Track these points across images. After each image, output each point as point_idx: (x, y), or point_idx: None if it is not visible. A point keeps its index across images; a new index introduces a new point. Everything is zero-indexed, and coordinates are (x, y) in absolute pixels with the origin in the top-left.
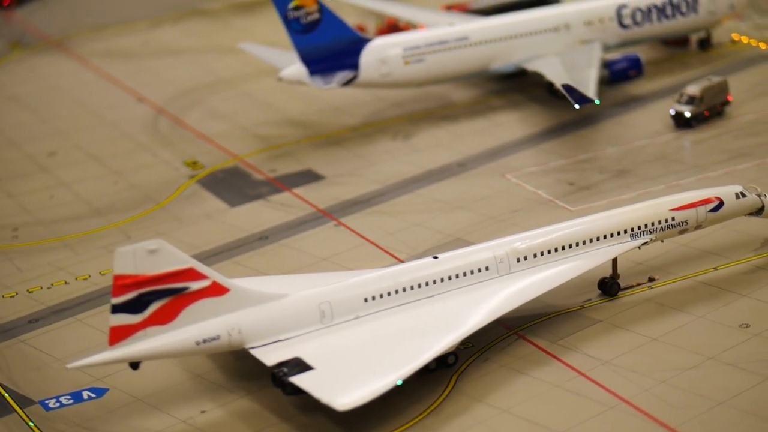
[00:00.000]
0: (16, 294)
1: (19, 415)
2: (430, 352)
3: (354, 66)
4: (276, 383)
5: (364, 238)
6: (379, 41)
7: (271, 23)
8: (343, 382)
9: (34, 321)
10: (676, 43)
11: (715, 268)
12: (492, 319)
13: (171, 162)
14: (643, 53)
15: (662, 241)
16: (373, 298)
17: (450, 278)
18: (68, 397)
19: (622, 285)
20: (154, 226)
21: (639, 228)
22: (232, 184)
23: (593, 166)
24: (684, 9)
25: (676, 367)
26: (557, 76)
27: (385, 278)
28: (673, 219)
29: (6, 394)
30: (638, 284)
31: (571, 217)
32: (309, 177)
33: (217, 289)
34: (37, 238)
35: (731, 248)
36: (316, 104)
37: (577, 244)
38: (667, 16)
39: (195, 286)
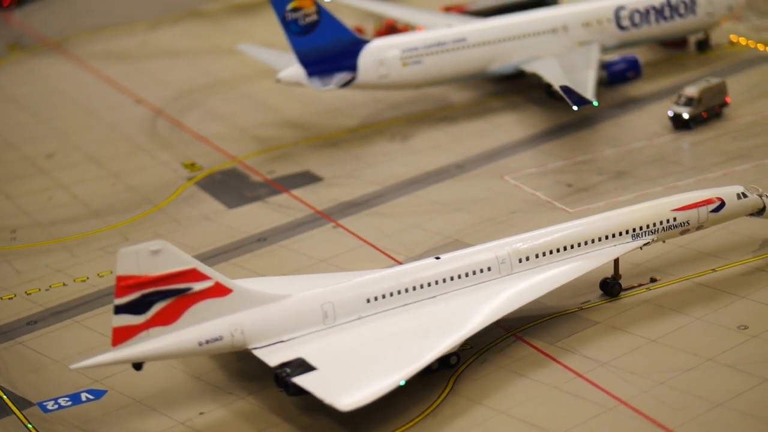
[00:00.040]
0: (15, 296)
1: (17, 416)
2: (433, 352)
3: (352, 67)
4: (279, 384)
5: (362, 239)
6: (378, 43)
7: (270, 25)
8: (346, 383)
9: (32, 323)
10: (675, 44)
11: (714, 270)
12: (494, 319)
13: (169, 164)
14: (641, 55)
15: (664, 242)
16: (376, 298)
17: (452, 279)
18: (67, 398)
19: (623, 286)
20: (152, 228)
21: (641, 228)
22: (231, 186)
23: (592, 168)
24: (682, 10)
25: (675, 368)
26: (555, 78)
27: (387, 279)
28: (674, 219)
29: (4, 396)
30: (640, 285)
31: (569, 219)
32: (307, 178)
33: (219, 290)
34: (36, 240)
35: (729, 250)
36: (315, 106)
37: (579, 245)
38: (665, 18)
39: (198, 286)
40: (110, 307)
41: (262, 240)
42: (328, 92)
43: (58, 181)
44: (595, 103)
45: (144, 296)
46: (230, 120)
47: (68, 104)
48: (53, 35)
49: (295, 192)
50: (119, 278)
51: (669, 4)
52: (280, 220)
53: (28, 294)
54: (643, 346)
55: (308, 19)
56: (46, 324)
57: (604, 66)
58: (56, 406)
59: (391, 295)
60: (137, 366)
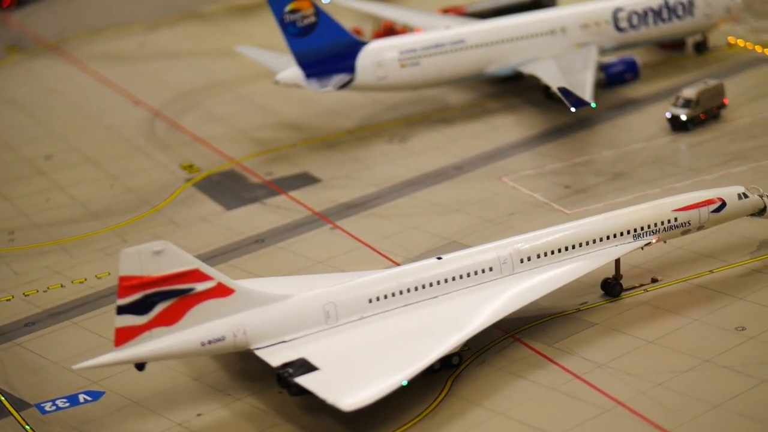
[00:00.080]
0: (13, 297)
1: (15, 418)
2: (435, 352)
3: (350, 69)
4: (281, 384)
5: (360, 241)
6: (376, 44)
7: (268, 26)
8: (349, 383)
9: (30, 324)
10: (673, 46)
11: (711, 271)
12: (496, 319)
13: (167, 165)
14: (639, 56)
15: (665, 242)
16: (378, 298)
17: (454, 279)
18: (64, 400)
19: (624, 286)
20: (150, 230)
21: (642, 229)
22: (229, 187)
23: (589, 169)
24: (680, 12)
25: (672, 370)
26: (553, 79)
27: (389, 279)
28: (675, 220)
29: (2, 397)
30: (641, 285)
31: (567, 220)
32: (305, 180)
33: (222, 290)
34: (34, 242)
35: (727, 251)
36: (313, 107)
37: (581, 245)
38: (663, 20)
39: (200, 287)
40: (108, 309)
41: (260, 241)
42: (327, 94)
43: (57, 182)
44: (593, 105)
45: (146, 296)
46: (228, 121)
47: (66, 106)
48: (52, 37)
49: (293, 193)
50: (122, 279)
51: (667, 6)
52: (278, 221)
53: (26, 295)
54: (640, 347)
55: (306, 21)
56: (44, 325)
57: (602, 68)
58: (54, 408)
59: (393, 295)
60: (140, 366)
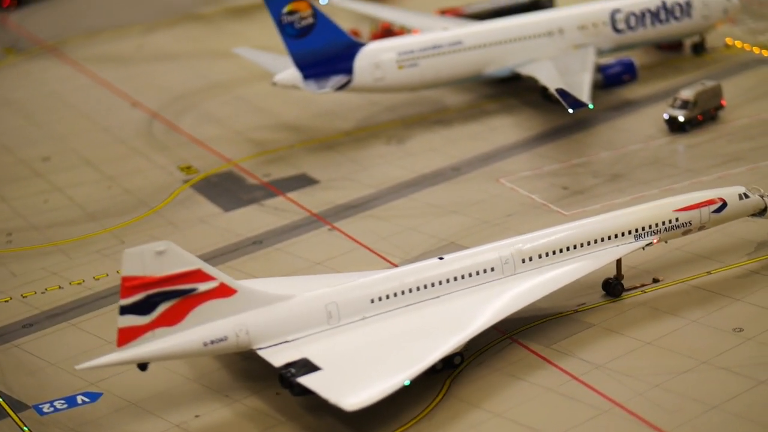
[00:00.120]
0: (11, 299)
1: (13, 419)
2: (437, 352)
3: (348, 70)
4: (284, 384)
5: (357, 242)
6: (373, 46)
7: (266, 28)
8: (351, 383)
9: (28, 326)
10: (670, 47)
11: (709, 272)
12: (498, 319)
13: (165, 166)
14: (636, 58)
15: (666, 242)
16: (380, 299)
17: (456, 279)
18: (62, 401)
19: (626, 286)
20: (148, 231)
21: (643, 229)
22: (227, 189)
23: (587, 171)
24: (678, 13)
25: (670, 371)
26: (551, 81)
27: (391, 279)
28: (676, 220)
29: (0, 399)
30: (642, 285)
31: (565, 222)
32: (303, 181)
33: (224, 291)
34: (31, 243)
35: (725, 252)
36: (311, 109)
37: (582, 245)
38: (660, 21)
39: (203, 287)
40: (106, 310)
41: (257, 243)
42: (324, 95)
43: (54, 184)
44: (591, 106)
45: (149, 297)
46: (226, 123)
47: (64, 107)
48: (49, 38)
49: (291, 195)
50: (124, 279)
51: (665, 7)
52: (276, 222)
53: (23, 297)
54: (638, 348)
55: (304, 22)
56: (42, 327)
57: (600, 69)
58: (52, 409)
59: (395, 295)
60: (142, 366)
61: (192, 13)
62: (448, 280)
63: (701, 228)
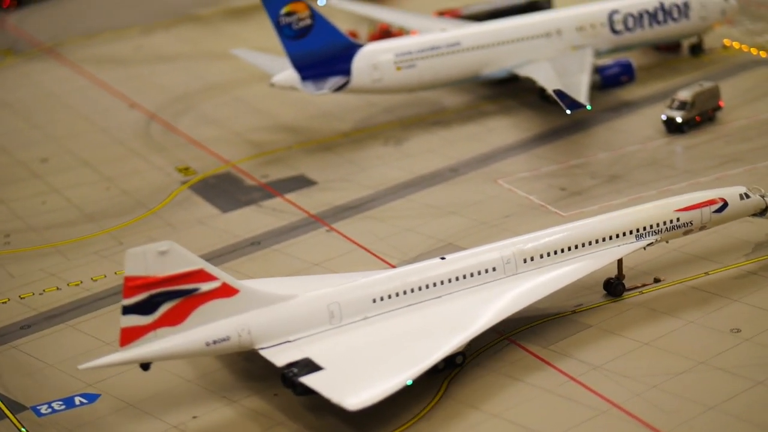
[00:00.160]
0: (8, 300)
1: (11, 420)
2: (439, 352)
3: (346, 71)
4: (286, 384)
5: (355, 243)
6: (371, 47)
7: (263, 29)
8: (353, 383)
9: (26, 327)
10: (668, 48)
11: (707, 273)
12: (499, 320)
13: (163, 168)
14: (634, 59)
15: (667, 242)
16: (382, 298)
17: (457, 279)
18: (60, 402)
19: (627, 286)
20: (146, 232)
21: (644, 229)
22: (224, 190)
23: (585, 172)
24: (675, 15)
25: (667, 371)
26: (549, 82)
27: (393, 279)
28: (678, 220)
29: None
30: (643, 285)
31: (563, 222)
32: (301, 182)
33: (226, 290)
34: (29, 244)
35: (722, 253)
36: (308, 110)
37: (583, 245)
38: (658, 22)
39: (205, 287)
40: (104, 311)
41: (255, 244)
42: (322, 96)
43: (52, 185)
44: (589, 107)
45: (152, 297)
46: (224, 124)
47: (62, 109)
48: (47, 40)
49: (289, 196)
50: (127, 279)
51: (662, 9)
52: (274, 223)
53: (21, 298)
54: (636, 349)
55: (302, 24)
56: (40, 328)
57: (598, 70)
58: (50, 410)
59: (397, 295)
60: (145, 366)
61: (190, 14)
62: (449, 280)
63: (702, 228)
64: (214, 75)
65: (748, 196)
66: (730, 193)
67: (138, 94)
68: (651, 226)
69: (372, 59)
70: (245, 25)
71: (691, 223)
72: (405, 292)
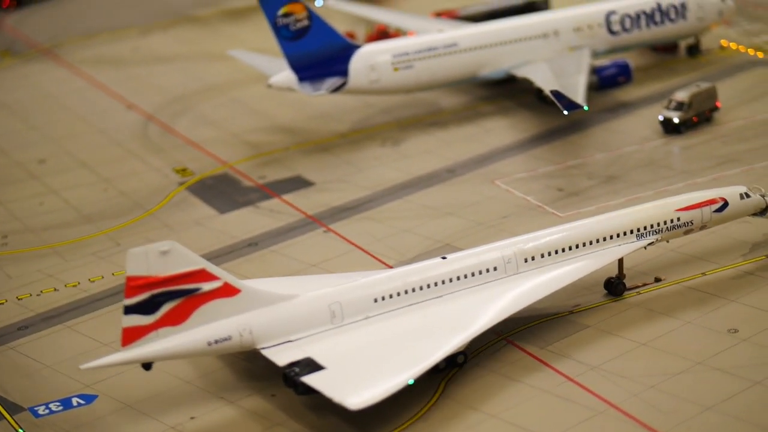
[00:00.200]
0: (6, 301)
1: (8, 421)
2: (441, 351)
3: (343, 73)
4: (288, 383)
5: (353, 244)
6: (369, 48)
7: (261, 30)
8: (355, 382)
9: (23, 328)
10: (665, 49)
11: (704, 273)
12: (500, 319)
13: (160, 169)
14: (631, 59)
15: (667, 242)
16: (383, 298)
17: (458, 278)
18: (57, 403)
19: (627, 285)
20: (143, 233)
21: (645, 228)
22: (222, 191)
23: (582, 172)
24: (673, 15)
25: (665, 372)
26: (546, 83)
27: (394, 279)
28: (678, 219)
29: None
30: (644, 284)
31: (560, 223)
32: (298, 183)
33: (228, 290)
34: (27, 245)
35: (720, 253)
36: (306, 111)
37: (584, 245)
38: (655, 23)
39: (207, 287)
40: (101, 312)
41: (253, 245)
42: (320, 97)
43: (50, 186)
44: (586, 108)
45: (153, 296)
46: (222, 125)
47: (60, 110)
48: (45, 41)
49: (287, 197)
50: (129, 278)
51: (660, 9)
52: (272, 224)
53: (19, 299)
54: (633, 349)
55: (299, 25)
56: (38, 329)
57: (595, 71)
58: (47, 411)
59: (398, 294)
60: (146, 366)
61: (187, 15)
62: (451, 280)
63: (703, 227)
64: (211, 76)
65: (748, 196)
66: (731, 192)
67: (135, 95)
68: (651, 226)
69: (369, 60)
70: (243, 26)
71: (692, 223)
72: (406, 292)
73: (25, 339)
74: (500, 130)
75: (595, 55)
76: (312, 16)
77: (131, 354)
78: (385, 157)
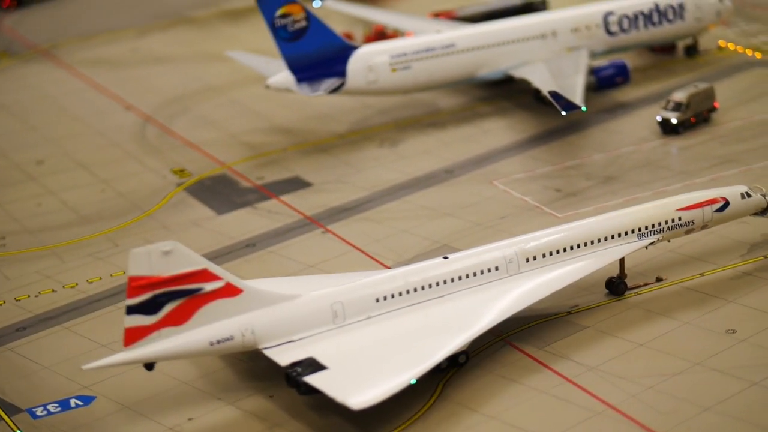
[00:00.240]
0: (4, 302)
1: (6, 422)
2: (442, 351)
3: (341, 73)
4: (290, 383)
5: (351, 245)
6: (366, 49)
7: (259, 31)
8: (357, 382)
9: (21, 329)
10: (663, 50)
11: (702, 274)
12: (502, 318)
13: (158, 170)
14: (629, 60)
15: (669, 241)
16: (385, 298)
17: (460, 278)
18: (55, 404)
19: (629, 285)
20: (141, 234)
21: (646, 228)
22: (220, 192)
23: (580, 173)
24: (671, 16)
25: (663, 373)
26: (544, 83)
27: (396, 278)
28: (679, 219)
29: None
30: (645, 284)
31: (558, 224)
32: (296, 184)
33: (230, 290)
34: (25, 247)
35: (718, 254)
36: (304, 112)
37: (585, 244)
38: (653, 23)
39: (209, 287)
40: (100, 313)
41: (251, 246)
42: (318, 98)
43: (48, 187)
44: (584, 109)
45: (156, 296)
46: (220, 126)
47: (58, 111)
48: (43, 42)
49: (285, 198)
50: (131, 279)
51: (657, 10)
52: (270, 225)
53: (17, 300)
54: (632, 350)
55: (297, 26)
56: (36, 330)
57: (593, 71)
58: (45, 413)
59: (400, 294)
60: (149, 366)
61: (185, 16)
62: (452, 280)
63: (704, 227)
64: (209, 77)
65: (749, 195)
66: (732, 192)
67: (134, 96)
68: (653, 226)
69: (367, 61)
70: (241, 27)
71: (693, 222)
72: (408, 292)
73: (24, 340)
74: (498, 130)
75: (593, 55)
76: (310, 16)
77: (133, 354)
78: (383, 157)
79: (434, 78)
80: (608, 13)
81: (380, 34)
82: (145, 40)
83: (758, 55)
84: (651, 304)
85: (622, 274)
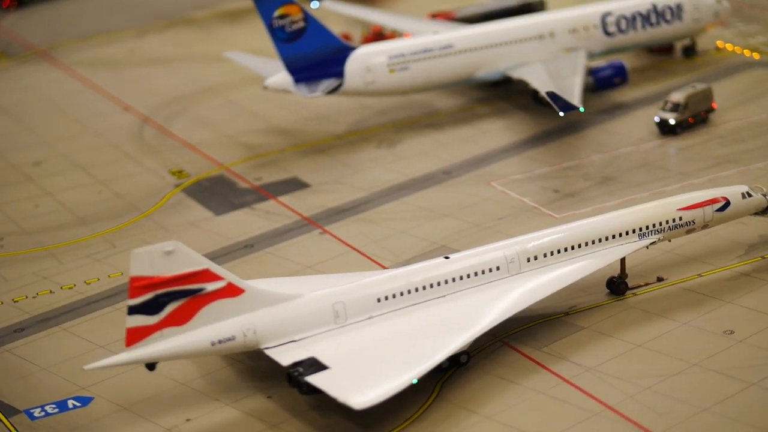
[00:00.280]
0: (2, 303)
1: (4, 424)
2: (444, 351)
3: (339, 74)
4: (292, 383)
5: (349, 245)
6: (364, 49)
7: (257, 32)
8: (359, 381)
9: (19, 330)
10: (661, 50)
11: (700, 275)
12: (503, 318)
13: (156, 171)
14: (627, 61)
15: (669, 241)
16: (386, 298)
17: (461, 278)
18: (53, 406)
19: (630, 284)
20: (139, 235)
21: (647, 228)
22: (218, 193)
23: (578, 174)
24: (668, 16)
25: (661, 373)
26: (542, 84)
27: (397, 278)
28: (680, 219)
29: None
30: (646, 284)
31: (556, 224)
32: (294, 185)
33: (232, 290)
34: (22, 248)
35: (715, 255)
36: (302, 112)
37: (586, 244)
38: (651, 24)
39: (210, 287)
40: (97, 314)
41: (249, 246)
42: (315, 99)
43: (45, 188)
44: (582, 109)
45: (157, 297)
46: (217, 127)
47: (55, 112)
48: (41, 43)
49: (282, 198)
50: (133, 279)
51: (655, 11)
52: (267, 226)
53: (15, 301)
54: (629, 351)
55: (295, 26)
56: (33, 331)
57: (591, 72)
58: (43, 414)
59: (402, 294)
60: (150, 366)
61: (183, 17)
62: (453, 279)
63: (705, 226)
64: (207, 78)
65: (750, 195)
66: (732, 191)
67: (131, 97)
68: (654, 225)
69: (365, 62)
70: (238, 27)
71: (694, 222)
72: (409, 292)
73: (21, 341)
74: (496, 131)
75: (591, 56)
76: (308, 17)
77: (135, 354)
78: (380, 158)
79: (432, 79)
80: (606, 14)
81: (378, 35)
82: (143, 41)
83: (756, 56)
84: (649, 304)
85: (623, 273)
